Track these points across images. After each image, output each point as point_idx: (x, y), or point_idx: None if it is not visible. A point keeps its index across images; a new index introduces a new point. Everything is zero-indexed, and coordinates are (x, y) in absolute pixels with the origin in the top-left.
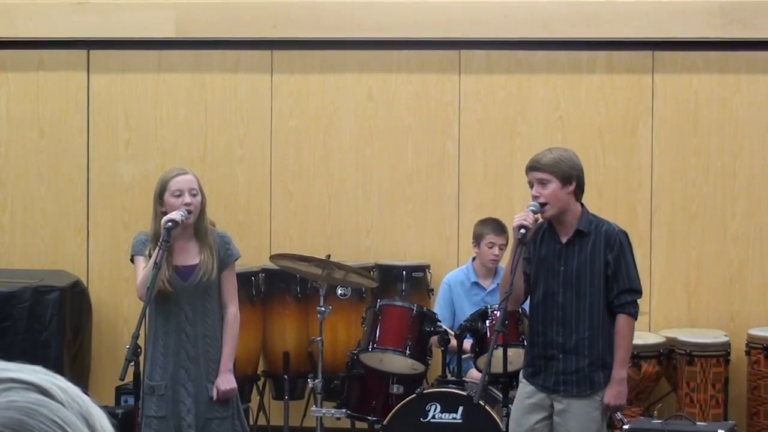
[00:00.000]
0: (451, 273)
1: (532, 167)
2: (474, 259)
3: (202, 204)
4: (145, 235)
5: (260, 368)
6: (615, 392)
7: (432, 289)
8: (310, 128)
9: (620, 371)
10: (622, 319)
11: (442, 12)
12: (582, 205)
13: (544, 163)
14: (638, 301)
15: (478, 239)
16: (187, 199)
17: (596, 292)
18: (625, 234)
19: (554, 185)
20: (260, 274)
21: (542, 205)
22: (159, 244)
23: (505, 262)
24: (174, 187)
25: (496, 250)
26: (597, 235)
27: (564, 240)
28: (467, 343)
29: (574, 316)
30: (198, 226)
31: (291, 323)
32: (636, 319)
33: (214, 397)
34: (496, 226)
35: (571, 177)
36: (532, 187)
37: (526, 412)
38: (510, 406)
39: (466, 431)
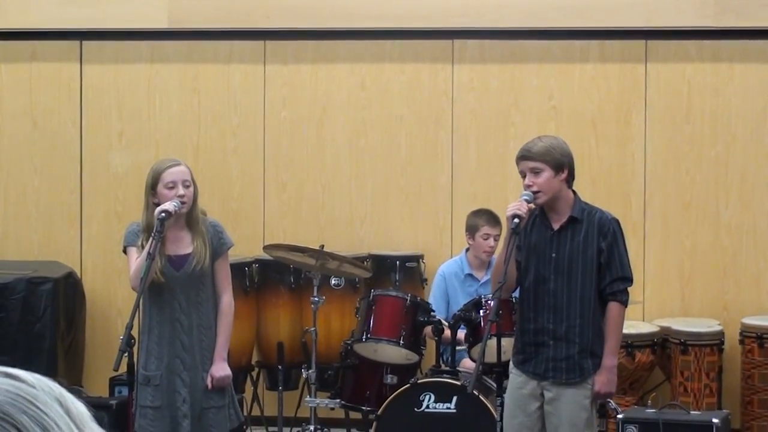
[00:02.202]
0: (446, 264)
1: (524, 156)
2: (467, 250)
3: (195, 194)
4: (137, 225)
5: (254, 359)
6: (605, 380)
7: (426, 279)
8: (304, 118)
9: (611, 359)
10: (614, 307)
11: (435, 2)
12: (574, 192)
13: (535, 152)
14: (629, 289)
15: (472, 231)
16: (181, 190)
17: (588, 280)
18: (618, 222)
19: (547, 174)
20: (254, 265)
21: (535, 193)
22: (152, 234)
23: (497, 252)
24: (167, 178)
25: (491, 242)
26: (590, 222)
27: (556, 227)
28: (461, 333)
29: (565, 303)
30: (190, 216)
31: (285, 314)
32: (626, 306)
33: (209, 386)
34: (490, 217)
35: (563, 164)
36: (524, 176)
37: (521, 403)
38: (504, 396)
39: (460, 421)
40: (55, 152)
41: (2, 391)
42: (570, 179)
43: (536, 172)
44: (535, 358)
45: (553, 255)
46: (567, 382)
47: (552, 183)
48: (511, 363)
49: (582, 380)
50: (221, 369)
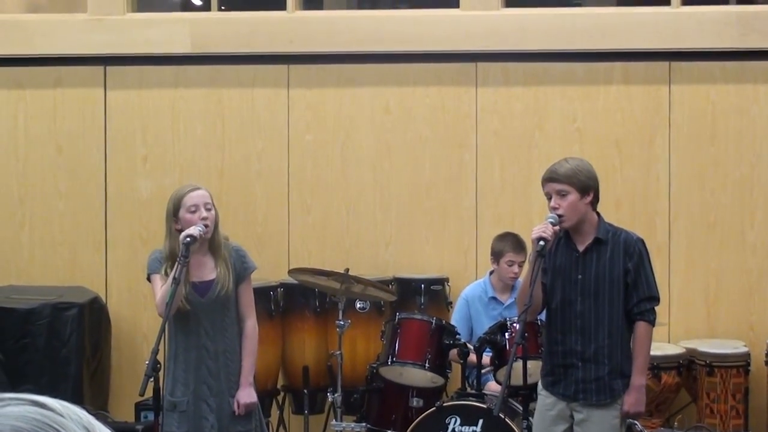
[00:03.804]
0: (469, 288)
1: (550, 179)
2: (491, 273)
3: (216, 218)
4: (159, 253)
5: (280, 383)
6: (634, 399)
7: (451, 302)
8: (328, 142)
9: (639, 378)
10: (641, 326)
11: (459, 25)
12: (598, 213)
13: (561, 174)
14: (656, 308)
15: (497, 256)
16: (204, 213)
17: (615, 300)
18: (643, 242)
19: (573, 196)
20: (279, 289)
21: (560, 216)
22: (178, 260)
23: (522, 275)
24: (189, 203)
25: (516, 268)
26: (615, 243)
27: (581, 248)
28: (486, 357)
29: (593, 325)
30: (212, 241)
31: (310, 337)
32: (654, 326)
33: (236, 411)
34: (515, 243)
35: (589, 187)
36: (549, 198)
37: (550, 424)
38: (530, 418)
39: None
40: (80, 177)
41: (30, 420)
42: (595, 202)
43: (562, 194)
44: (564, 380)
45: (579, 277)
46: (597, 403)
47: (578, 206)
48: (539, 384)
49: (612, 401)
50: (248, 395)
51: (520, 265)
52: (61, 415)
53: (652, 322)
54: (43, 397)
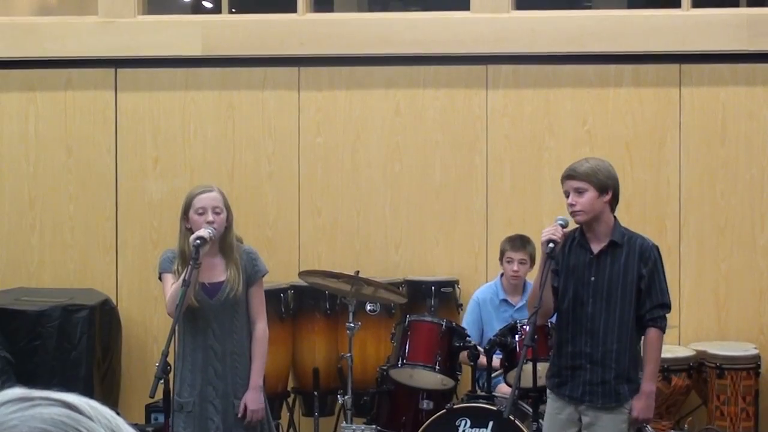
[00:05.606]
0: (480, 290)
1: (569, 176)
2: (502, 275)
3: (229, 220)
4: (171, 252)
5: (290, 385)
6: (644, 405)
7: (461, 305)
8: (338, 144)
9: (649, 384)
10: (652, 333)
11: (469, 27)
12: (615, 217)
13: (580, 171)
14: (667, 315)
15: (500, 256)
16: (210, 217)
17: (627, 305)
18: (658, 249)
19: (591, 194)
20: (289, 291)
21: (577, 212)
22: (189, 261)
23: (533, 277)
24: (198, 204)
25: (515, 266)
26: (631, 247)
27: (595, 250)
28: (496, 359)
29: (603, 327)
30: (224, 243)
31: (320, 340)
32: (665, 332)
33: (239, 414)
34: (515, 242)
35: (608, 187)
36: (567, 196)
37: (559, 428)
38: (540, 420)
39: None
40: (91, 179)
41: (57, 423)
42: (614, 203)
43: (580, 191)
44: (572, 381)
45: (592, 279)
46: (603, 406)
47: (595, 204)
48: (547, 386)
49: (618, 405)
50: (255, 401)
51: (521, 263)
52: (90, 418)
53: (663, 329)
54: (73, 397)
